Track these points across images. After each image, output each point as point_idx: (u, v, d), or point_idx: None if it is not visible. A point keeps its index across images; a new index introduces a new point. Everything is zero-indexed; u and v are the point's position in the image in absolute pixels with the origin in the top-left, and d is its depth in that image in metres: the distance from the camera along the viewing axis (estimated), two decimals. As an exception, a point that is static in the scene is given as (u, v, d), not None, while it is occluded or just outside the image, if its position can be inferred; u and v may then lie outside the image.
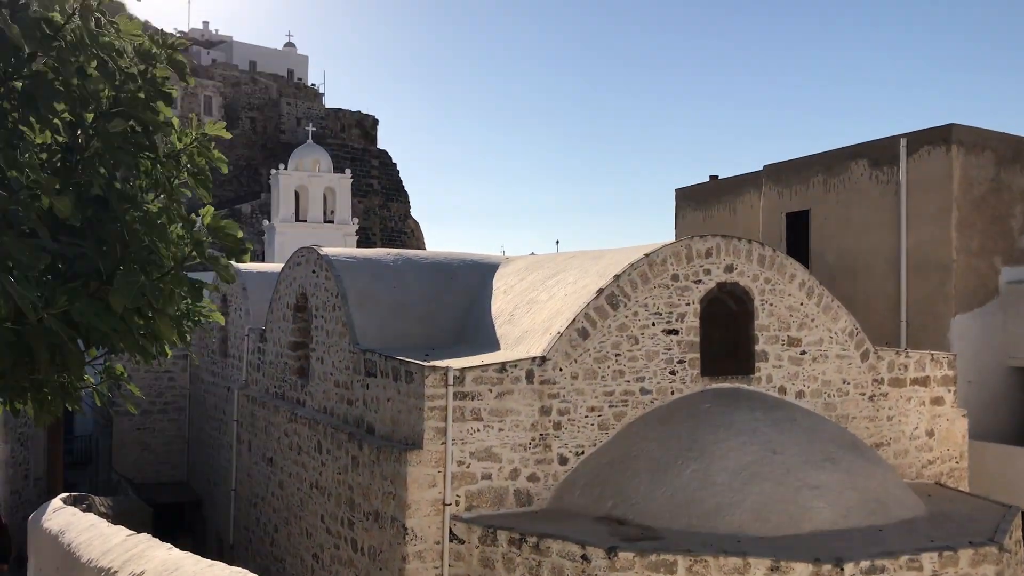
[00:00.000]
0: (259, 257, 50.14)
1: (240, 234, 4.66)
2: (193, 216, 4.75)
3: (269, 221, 39.97)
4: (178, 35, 79.32)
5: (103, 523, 9.66)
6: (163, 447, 26.18)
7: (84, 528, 9.53)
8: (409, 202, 69.31)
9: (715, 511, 10.98)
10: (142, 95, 5.23)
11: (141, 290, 4.18)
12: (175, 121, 5.68)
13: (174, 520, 24.32)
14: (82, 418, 35.25)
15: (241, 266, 22.47)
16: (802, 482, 11.28)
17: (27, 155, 4.12)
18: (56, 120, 4.78)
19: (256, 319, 19.70)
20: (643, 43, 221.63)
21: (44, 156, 5.06)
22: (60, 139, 5.03)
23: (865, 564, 9.85)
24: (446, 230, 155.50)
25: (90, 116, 5.01)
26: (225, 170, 6.18)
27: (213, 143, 6.01)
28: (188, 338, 5.45)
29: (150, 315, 4.35)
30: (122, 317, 4.26)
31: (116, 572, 6.80)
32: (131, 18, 5.17)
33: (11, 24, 3.47)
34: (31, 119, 4.21)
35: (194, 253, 4.52)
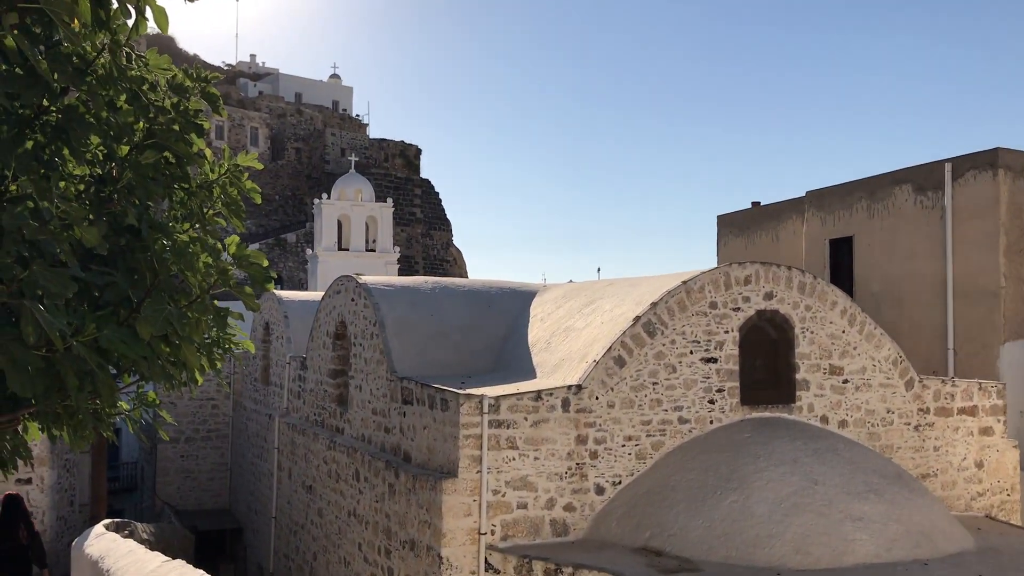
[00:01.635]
0: (303, 286, 50.73)
1: (265, 263, 4.71)
2: (219, 246, 4.81)
3: (312, 250, 40.45)
4: (226, 68, 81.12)
5: (141, 549, 9.76)
6: (206, 474, 26.43)
7: (123, 554, 9.64)
8: (451, 231, 69.80)
9: (754, 543, 10.78)
10: (176, 127, 5.33)
11: (168, 318, 4.23)
12: (208, 152, 5.78)
13: (216, 547, 24.52)
14: (128, 446, 35.82)
15: (283, 294, 22.75)
16: (844, 514, 11.04)
17: (62, 184, 4.21)
18: (89, 152, 4.88)
19: (297, 347, 19.89)
20: (685, 70, 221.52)
21: (81, 187, 5.19)
22: (95, 171, 5.13)
23: (910, 599, 9.59)
24: (488, 258, 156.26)
25: (124, 148, 5.12)
26: (258, 200, 6.25)
27: (246, 174, 6.09)
28: (219, 365, 5.50)
29: (177, 343, 4.40)
30: (149, 344, 4.31)
31: (150, 598, 6.85)
32: (160, 53, 5.28)
33: (40, 60, 3.55)
34: (64, 152, 4.30)
35: (219, 281, 4.57)
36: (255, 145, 68.69)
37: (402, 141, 73.85)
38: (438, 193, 70.03)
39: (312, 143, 71.59)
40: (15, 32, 3.72)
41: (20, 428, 5.73)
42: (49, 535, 17.47)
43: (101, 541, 11.41)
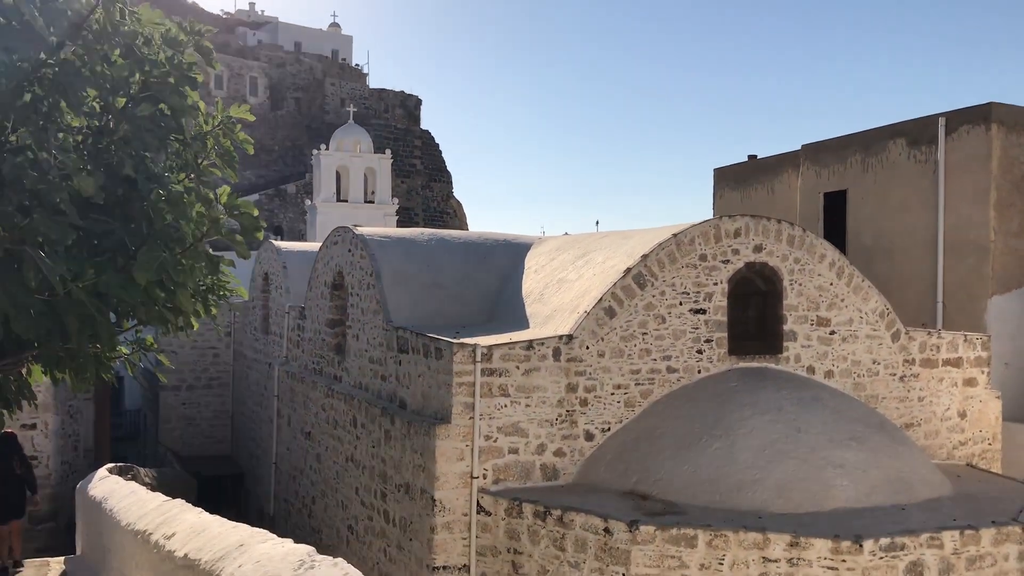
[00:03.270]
0: (303, 236, 50.86)
1: (255, 212, 4.92)
2: (211, 195, 5.01)
3: (311, 201, 40.56)
4: (225, 16, 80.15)
5: (143, 490, 10.10)
6: (208, 422, 26.86)
7: (125, 495, 9.98)
8: (452, 183, 69.71)
9: (737, 488, 11.12)
10: (172, 80, 5.50)
11: (163, 264, 4.46)
12: (202, 105, 5.94)
13: (218, 493, 25.02)
14: (131, 394, 36.27)
15: (282, 245, 22.96)
16: (826, 460, 11.37)
17: (60, 136, 4.40)
18: (87, 105, 5.06)
19: (296, 297, 20.14)
20: (684, 21, 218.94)
21: (79, 139, 5.38)
22: (92, 123, 5.31)
23: (885, 541, 9.94)
24: (488, 210, 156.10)
25: (121, 101, 5.30)
26: (251, 151, 6.44)
27: (239, 125, 6.27)
28: (214, 311, 5.74)
29: (172, 288, 4.63)
30: (146, 290, 4.54)
31: (151, 534, 7.18)
32: (152, 7, 5.43)
33: (36, 16, 3.73)
34: (62, 104, 4.49)
35: (211, 230, 4.78)
36: (254, 95, 68.31)
37: (402, 91, 73.49)
38: (438, 144, 69.78)
39: (312, 93, 71.20)
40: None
41: (24, 371, 5.99)
42: (54, 479, 17.91)
43: (104, 483, 11.78)
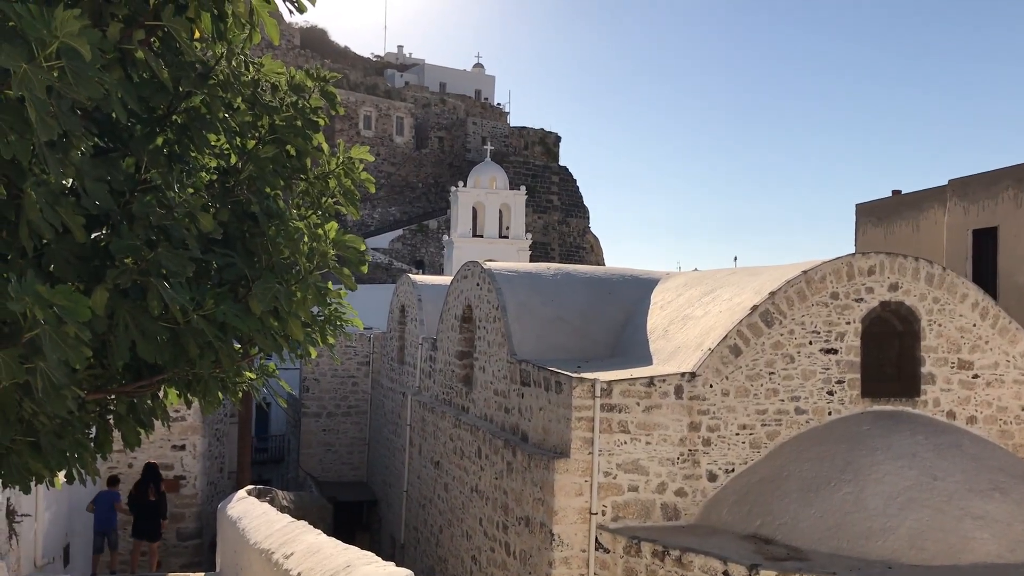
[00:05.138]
0: (442, 270, 52.12)
1: (362, 247, 5.19)
2: (320, 231, 5.31)
3: (448, 236, 41.59)
4: (375, 59, 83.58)
5: (273, 512, 10.59)
6: (346, 448, 27.76)
7: (257, 515, 10.50)
8: (588, 217, 69.95)
9: (866, 535, 10.66)
10: (299, 123, 5.89)
11: (275, 295, 4.76)
12: (325, 147, 6.31)
13: (354, 517, 25.80)
14: (277, 419, 37.92)
15: (417, 278, 23.67)
16: (964, 511, 10.76)
17: (184, 175, 4.79)
18: (216, 146, 5.48)
19: (430, 329, 20.69)
20: (824, 54, 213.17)
21: (213, 177, 5.82)
22: (221, 164, 5.75)
23: (1028, 601, 9.32)
24: (626, 245, 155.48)
25: (251, 143, 5.71)
26: (372, 189, 6.76)
27: (360, 164, 6.61)
28: (331, 340, 6.04)
29: (284, 317, 4.93)
30: (260, 319, 4.86)
31: (273, 552, 7.55)
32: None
33: (162, 69, 4.11)
34: (190, 148, 4.89)
35: (320, 262, 5.07)
36: (400, 134, 70.79)
37: (541, 129, 74.41)
38: (575, 180, 70.28)
39: (454, 132, 73.17)
40: (148, 46, 4.30)
41: (161, 393, 6.46)
42: (200, 498, 18.92)
43: (241, 503, 12.42)
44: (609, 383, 11.70)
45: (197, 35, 4.42)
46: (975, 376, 12.95)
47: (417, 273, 43.30)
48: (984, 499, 10.96)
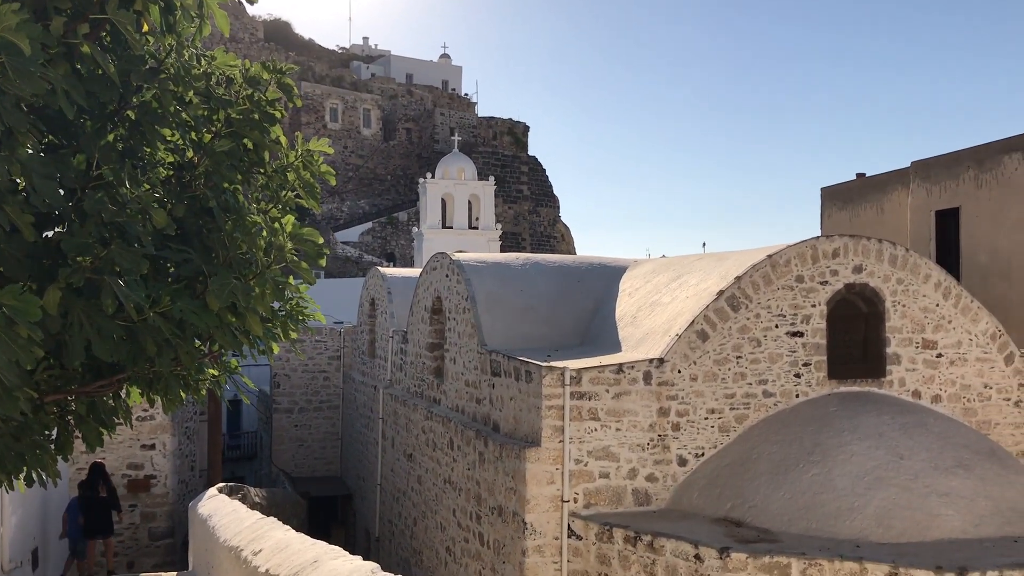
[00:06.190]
0: (413, 262, 52.00)
1: (320, 240, 5.15)
2: (277, 225, 5.26)
3: (418, 228, 41.48)
4: (340, 51, 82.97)
5: (243, 509, 10.52)
6: (318, 443, 27.64)
7: (227, 513, 10.43)
8: (559, 207, 70.04)
9: (835, 515, 10.79)
10: (255, 116, 5.83)
11: (233, 291, 4.72)
12: (283, 140, 6.25)
13: (328, 512, 25.72)
14: (249, 416, 37.69)
15: (387, 271, 23.58)
16: (930, 488, 10.92)
17: (138, 171, 4.73)
18: (171, 141, 5.41)
19: (400, 322, 20.63)
20: (789, 40, 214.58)
21: (170, 173, 5.74)
22: (178, 159, 5.67)
23: (992, 574, 9.47)
24: (596, 234, 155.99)
25: (207, 137, 5.64)
26: (333, 182, 6.70)
27: (320, 158, 6.55)
28: (293, 335, 6.00)
29: (243, 313, 4.88)
30: (218, 315, 4.81)
31: (242, 549, 7.50)
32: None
33: (109, 63, 4.04)
34: (143, 143, 4.82)
35: (278, 257, 5.03)
36: (368, 126, 70.40)
37: (510, 119, 74.33)
38: (545, 170, 70.30)
39: (422, 123, 72.89)
40: (95, 40, 4.23)
41: (123, 393, 6.38)
42: (171, 497, 18.77)
43: (211, 501, 12.33)
44: (578, 371, 11.73)
45: (146, 28, 4.36)
46: (939, 355, 13.12)
47: (388, 266, 43.12)
48: (949, 476, 11.12)
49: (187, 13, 4.45)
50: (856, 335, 13.34)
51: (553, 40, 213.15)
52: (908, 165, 21.10)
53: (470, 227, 40.39)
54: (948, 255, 19.14)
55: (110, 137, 4.63)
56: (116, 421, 6.19)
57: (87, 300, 4.34)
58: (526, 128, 74.44)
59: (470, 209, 41.09)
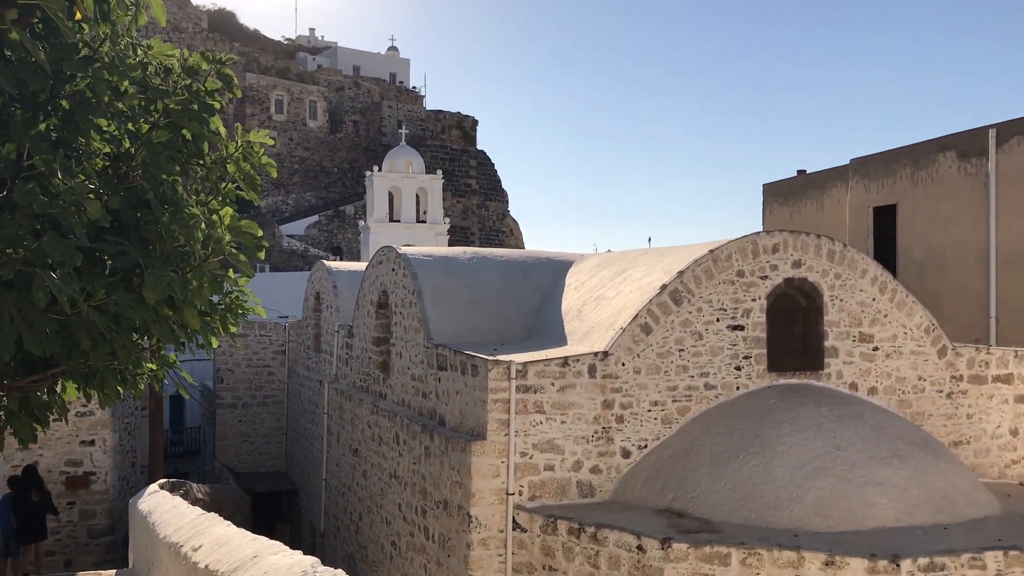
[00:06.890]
0: (360, 256, 51.66)
1: (259, 233, 5.11)
2: (215, 217, 5.21)
3: (365, 221, 41.21)
4: (286, 42, 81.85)
5: (184, 505, 10.39)
6: (263, 438, 27.36)
7: (168, 509, 10.30)
8: (507, 202, 70.13)
9: (774, 505, 11.00)
10: (194, 106, 5.74)
11: (170, 283, 4.66)
12: (222, 131, 6.17)
13: (273, 508, 25.48)
14: (192, 411, 37.15)
15: (333, 265, 23.39)
16: (865, 478, 11.18)
17: (72, 162, 4.64)
18: (107, 132, 5.31)
19: (345, 316, 20.50)
20: (731, 36, 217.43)
21: (106, 164, 5.63)
22: (114, 149, 5.57)
23: (924, 561, 9.75)
24: (544, 228, 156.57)
25: (145, 127, 5.55)
26: (274, 174, 6.65)
27: (261, 149, 6.49)
28: (232, 329, 5.94)
29: (180, 306, 4.83)
30: (155, 309, 4.75)
31: (182, 546, 7.42)
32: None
33: (39, 51, 3.96)
34: (77, 133, 4.73)
35: (216, 249, 4.97)
36: (314, 119, 69.74)
37: (458, 113, 74.18)
38: (493, 164, 70.34)
39: (369, 116, 72.39)
40: (24, 27, 4.14)
41: (59, 388, 6.26)
42: (111, 494, 18.44)
43: (152, 498, 12.15)
44: (524, 364, 11.78)
45: (79, 16, 4.28)
46: (875, 348, 13.43)
47: (334, 260, 42.78)
48: (884, 466, 11.40)
49: (122, 2, 4.37)
50: (795, 329, 13.59)
51: (501, 35, 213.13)
52: (848, 163, 21.55)
53: (418, 221, 40.24)
54: (885, 251, 19.59)
55: (42, 126, 4.53)
56: (51, 417, 6.08)
57: (18, 293, 4.26)
58: (475, 122, 74.35)
59: (418, 203, 40.95)
